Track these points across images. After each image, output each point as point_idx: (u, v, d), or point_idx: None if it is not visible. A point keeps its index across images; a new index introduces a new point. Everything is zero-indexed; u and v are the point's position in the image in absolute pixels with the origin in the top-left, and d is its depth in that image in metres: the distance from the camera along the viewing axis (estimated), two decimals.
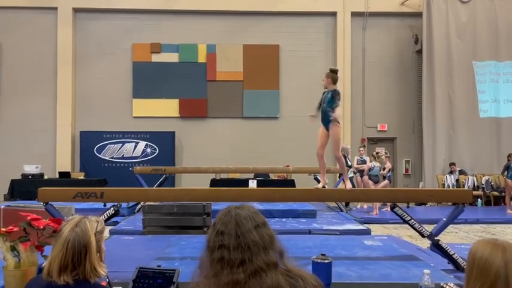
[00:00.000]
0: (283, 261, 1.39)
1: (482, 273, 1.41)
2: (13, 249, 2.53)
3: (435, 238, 4.30)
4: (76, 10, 12.93)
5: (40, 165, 11.89)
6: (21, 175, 11.61)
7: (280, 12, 13.06)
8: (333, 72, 4.64)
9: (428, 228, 4.50)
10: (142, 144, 12.78)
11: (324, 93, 4.64)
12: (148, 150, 12.76)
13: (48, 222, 2.66)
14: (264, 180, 11.25)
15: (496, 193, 11.63)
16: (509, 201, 10.14)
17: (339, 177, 9.73)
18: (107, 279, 2.14)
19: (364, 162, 10.12)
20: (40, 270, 2.45)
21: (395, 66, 13.33)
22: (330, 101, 4.51)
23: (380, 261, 4.57)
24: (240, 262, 1.33)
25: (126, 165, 12.54)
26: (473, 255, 1.46)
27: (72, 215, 2.40)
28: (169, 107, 12.96)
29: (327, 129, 4.58)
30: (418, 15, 12.88)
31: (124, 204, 7.68)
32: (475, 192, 10.87)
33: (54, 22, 12.78)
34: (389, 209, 4.84)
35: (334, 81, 4.62)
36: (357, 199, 8.07)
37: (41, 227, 2.62)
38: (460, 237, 7.21)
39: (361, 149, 10.74)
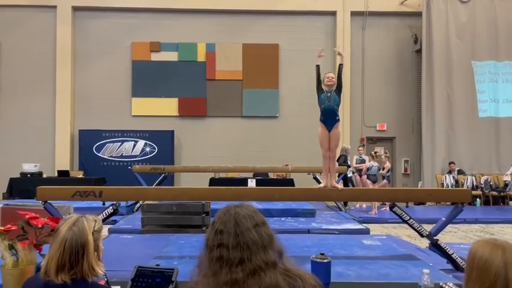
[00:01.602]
0: (282, 261, 1.38)
1: (482, 273, 1.40)
2: (11, 247, 2.53)
3: (434, 238, 4.30)
4: (75, 8, 12.91)
5: (39, 163, 11.88)
6: (20, 174, 11.61)
7: (279, 12, 13.05)
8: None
9: (427, 227, 4.50)
10: (141, 143, 12.77)
11: (325, 92, 4.51)
12: (148, 149, 12.75)
13: (47, 221, 2.65)
14: (263, 180, 11.25)
15: (494, 193, 11.64)
16: None
17: (338, 176, 9.73)
18: (105, 278, 2.14)
19: (363, 161, 10.11)
20: (38, 269, 2.45)
21: (394, 65, 13.32)
22: (337, 99, 4.45)
23: (379, 261, 4.57)
24: (239, 261, 1.32)
25: (125, 164, 12.53)
26: (472, 256, 1.45)
27: (69, 213, 2.38)
28: (168, 106, 12.94)
29: (330, 129, 4.48)
30: (418, 15, 12.87)
31: (123, 203, 7.67)
32: (473, 192, 10.86)
33: (54, 21, 12.75)
34: (388, 208, 4.84)
35: None
36: (356, 199, 8.10)
37: (39, 225, 2.61)
38: (458, 237, 7.22)
39: (360, 148, 10.75)
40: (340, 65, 4.62)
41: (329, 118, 4.44)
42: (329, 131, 4.46)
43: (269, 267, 1.33)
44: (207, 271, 1.35)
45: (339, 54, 4.59)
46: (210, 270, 1.34)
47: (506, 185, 11.67)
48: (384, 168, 9.71)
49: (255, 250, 1.34)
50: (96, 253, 1.73)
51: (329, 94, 4.44)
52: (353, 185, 10.23)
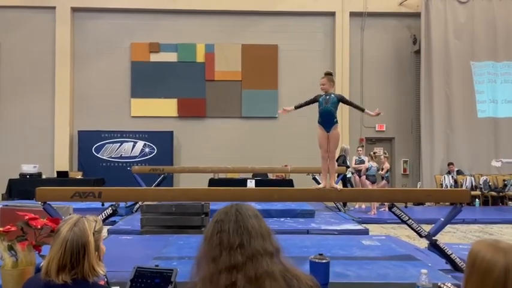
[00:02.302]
0: (280, 259, 1.39)
1: (483, 277, 1.37)
2: (10, 248, 2.53)
3: (433, 238, 4.31)
4: (74, 9, 12.91)
5: (38, 164, 11.87)
6: (19, 174, 11.60)
7: (278, 12, 13.06)
8: (331, 75, 4.64)
9: (426, 228, 4.51)
10: (140, 143, 12.77)
11: (322, 95, 4.56)
12: (147, 149, 12.75)
13: (46, 221, 2.66)
14: (262, 180, 11.25)
15: (493, 193, 11.65)
16: None
17: (338, 176, 9.74)
18: (105, 279, 2.14)
19: (362, 162, 10.12)
20: (38, 269, 2.45)
21: (393, 66, 13.34)
22: (335, 102, 4.49)
23: (378, 261, 4.58)
24: (239, 245, 1.34)
25: (124, 164, 12.53)
26: (473, 258, 1.42)
27: (70, 214, 2.39)
28: (167, 106, 12.95)
29: (328, 130, 4.51)
30: (417, 15, 12.89)
31: (122, 204, 7.67)
32: (472, 192, 10.85)
33: (53, 21, 12.75)
34: (387, 209, 4.85)
35: (334, 84, 4.65)
36: (355, 199, 8.08)
37: (39, 226, 2.61)
38: (457, 237, 7.23)
39: (360, 149, 10.75)
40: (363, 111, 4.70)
41: (327, 120, 4.48)
42: (327, 132, 4.49)
43: (266, 255, 1.35)
44: (206, 260, 1.36)
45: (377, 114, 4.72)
46: (210, 257, 1.35)
47: (505, 185, 11.69)
48: (382, 169, 9.72)
49: (254, 235, 1.36)
50: (97, 253, 1.74)
51: (327, 97, 4.50)
52: (352, 186, 10.24)
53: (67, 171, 11.86)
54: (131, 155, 12.72)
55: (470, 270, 1.42)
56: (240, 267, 1.32)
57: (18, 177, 11.58)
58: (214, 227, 1.40)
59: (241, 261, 1.32)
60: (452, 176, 11.90)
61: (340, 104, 4.59)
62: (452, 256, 4.20)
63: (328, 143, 4.53)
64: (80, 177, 11.86)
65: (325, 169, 4.64)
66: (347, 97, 13.11)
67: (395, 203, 4.41)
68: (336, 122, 4.53)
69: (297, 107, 4.67)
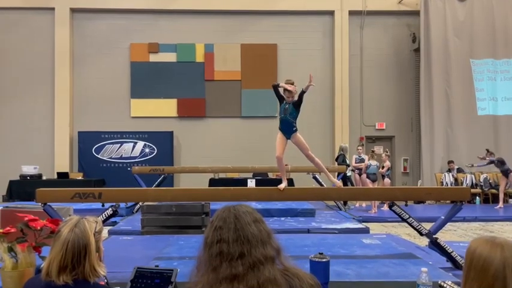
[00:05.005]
0: (280, 259, 1.39)
1: (481, 273, 1.39)
2: (10, 250, 2.53)
3: (433, 236, 4.31)
4: (73, 10, 12.91)
5: (38, 166, 11.88)
6: (19, 176, 11.60)
7: (278, 12, 13.05)
8: (293, 83, 4.58)
9: (427, 226, 4.51)
10: (140, 144, 12.77)
11: (284, 103, 4.58)
12: (147, 150, 12.75)
13: (46, 223, 2.66)
14: (262, 180, 11.23)
15: (494, 191, 11.64)
16: None
17: (337, 176, 9.74)
18: (105, 280, 2.14)
19: (362, 160, 10.11)
20: (38, 271, 2.45)
21: (393, 64, 13.33)
22: (293, 112, 4.56)
23: (378, 260, 4.58)
24: (239, 255, 1.33)
25: (124, 165, 12.53)
26: (471, 254, 1.44)
27: (69, 215, 2.39)
28: (167, 106, 12.94)
29: (288, 137, 4.67)
30: (416, 13, 12.89)
31: (122, 205, 7.68)
32: (473, 190, 10.87)
33: (52, 22, 12.75)
34: (387, 207, 4.85)
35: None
36: (356, 198, 8.10)
37: (39, 227, 2.61)
38: (458, 235, 7.23)
39: (359, 147, 10.74)
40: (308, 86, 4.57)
41: (286, 128, 4.67)
42: (288, 139, 4.68)
43: (268, 262, 1.34)
44: (207, 267, 1.35)
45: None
46: (210, 266, 1.34)
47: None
48: (383, 167, 9.71)
49: (255, 243, 1.34)
50: (97, 254, 1.74)
51: (287, 106, 4.60)
52: (352, 185, 10.23)
53: (67, 172, 11.87)
54: (131, 155, 12.72)
55: (469, 267, 1.44)
56: (241, 278, 1.30)
57: (18, 178, 11.58)
58: (213, 235, 1.38)
59: (242, 272, 1.31)
60: (452, 174, 11.90)
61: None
62: (452, 254, 4.21)
63: (284, 146, 4.70)
64: (80, 178, 11.85)
65: (282, 169, 4.85)
66: (346, 96, 13.07)
67: (395, 201, 4.41)
68: (296, 130, 4.66)
69: (274, 86, 4.65)
